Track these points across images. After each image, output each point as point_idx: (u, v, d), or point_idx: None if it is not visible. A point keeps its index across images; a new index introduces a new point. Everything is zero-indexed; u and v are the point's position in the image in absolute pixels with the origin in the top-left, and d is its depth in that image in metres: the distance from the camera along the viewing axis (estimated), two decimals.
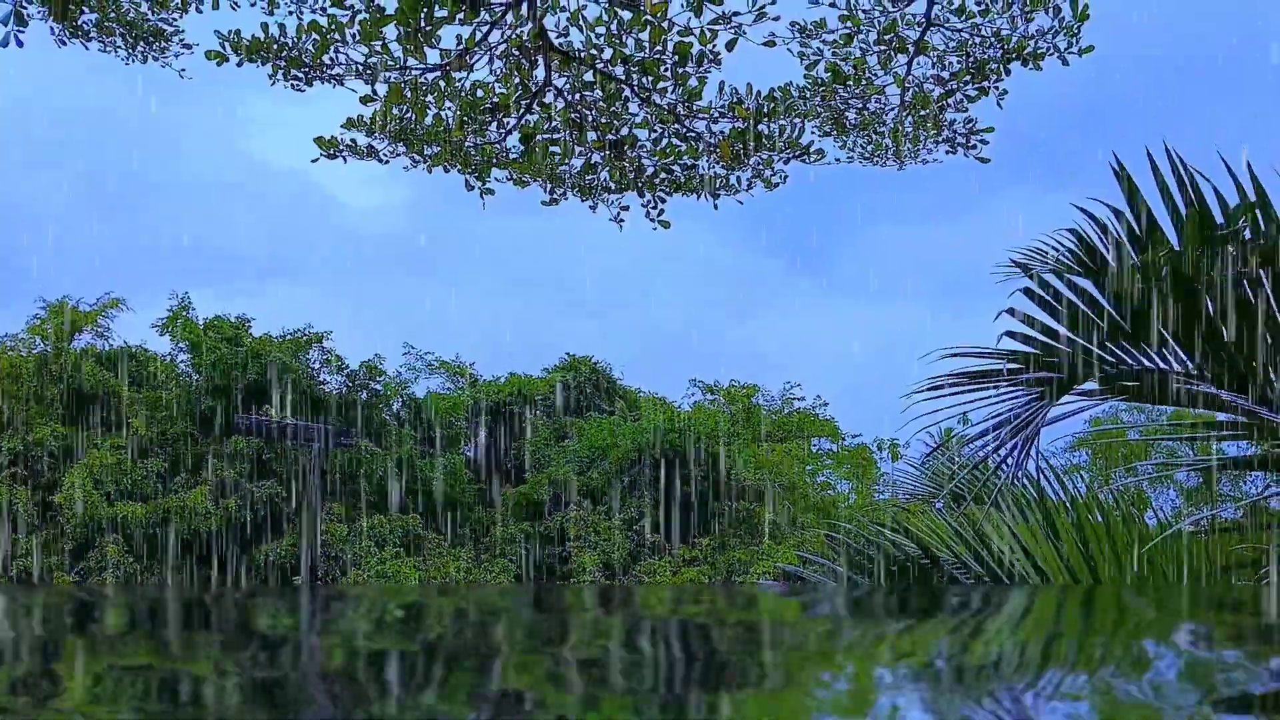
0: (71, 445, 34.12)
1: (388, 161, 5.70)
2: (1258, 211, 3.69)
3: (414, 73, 5.41)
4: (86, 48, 5.91)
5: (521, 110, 5.56)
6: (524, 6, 5.27)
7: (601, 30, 5.46)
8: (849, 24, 5.74)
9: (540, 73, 5.49)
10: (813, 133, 6.11)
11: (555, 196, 6.10)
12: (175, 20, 6.17)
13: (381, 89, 5.48)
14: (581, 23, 5.45)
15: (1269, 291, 3.84)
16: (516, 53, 5.37)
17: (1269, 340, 4.12)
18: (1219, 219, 4.03)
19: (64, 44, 5.80)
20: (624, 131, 5.66)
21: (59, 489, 33.47)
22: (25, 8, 5.54)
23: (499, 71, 5.48)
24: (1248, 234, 3.69)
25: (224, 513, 33.88)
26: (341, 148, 5.77)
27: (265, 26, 5.44)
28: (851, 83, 5.84)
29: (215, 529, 33.74)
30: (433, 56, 5.35)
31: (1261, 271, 3.74)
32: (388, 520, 36.23)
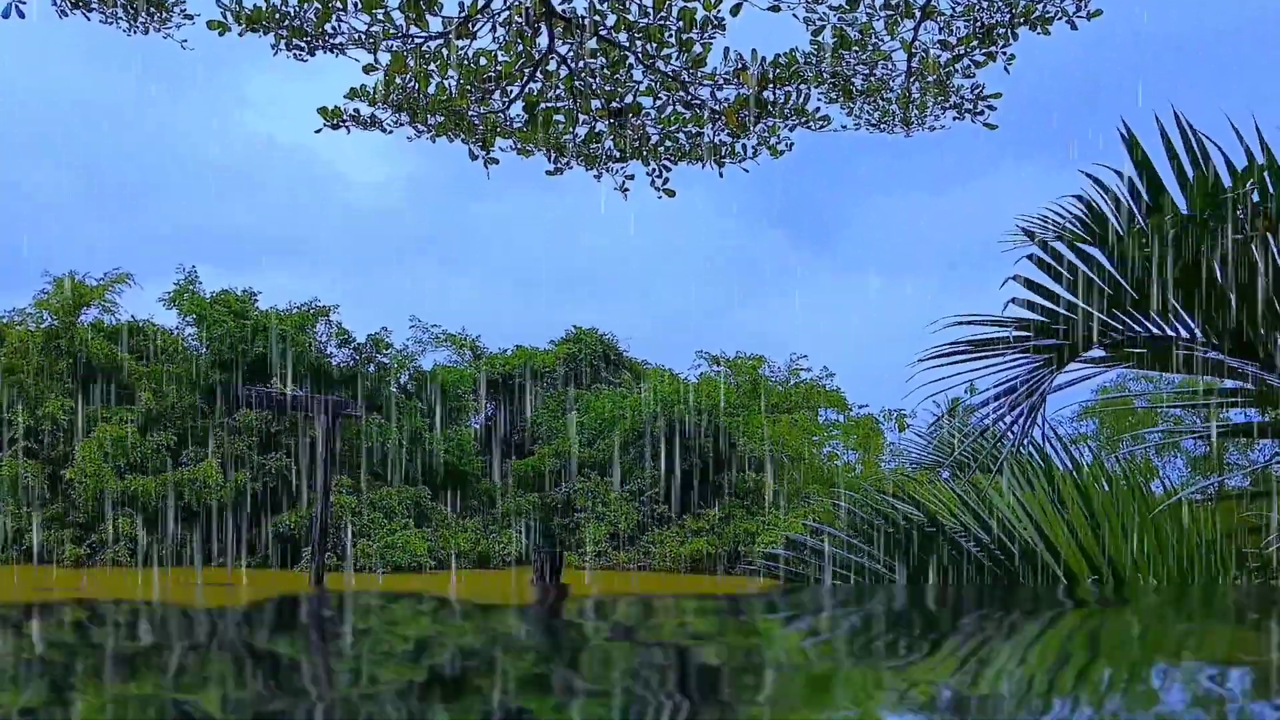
0: (80, 419, 34.27)
1: (391, 131, 5.68)
2: (1266, 175, 3.65)
3: (416, 41, 5.38)
4: (88, 18, 5.87)
5: (525, 78, 5.52)
6: None
7: None
8: None
9: (543, 40, 5.45)
10: (819, 99, 6.07)
11: (559, 166, 6.06)
12: None
13: (384, 58, 5.45)
14: None
15: (1275, 255, 3.81)
16: (519, 20, 5.33)
17: (1276, 305, 4.10)
18: (1228, 184, 3.99)
19: (65, 14, 5.77)
20: (628, 99, 5.62)
21: (69, 463, 33.65)
22: None
23: (501, 39, 5.44)
24: (1255, 197, 3.66)
25: (233, 485, 34.05)
26: (345, 118, 5.74)
27: None
28: (857, 48, 5.78)
29: (225, 501, 33.94)
30: (435, 24, 5.31)
31: (1268, 235, 3.71)
32: (396, 492, 36.40)
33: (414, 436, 38.15)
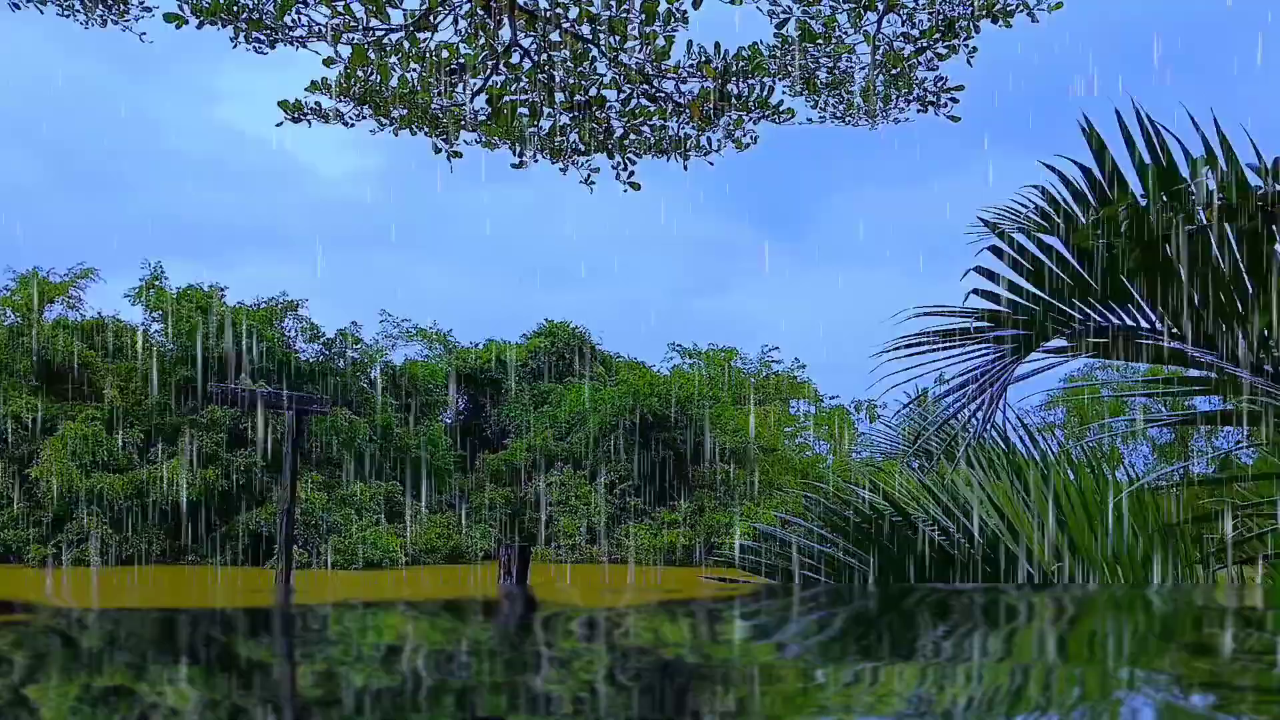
0: (46, 418, 33.84)
1: (353, 125, 5.62)
2: (1222, 163, 3.69)
3: (377, 34, 5.33)
4: (41, 11, 5.78)
5: (487, 71, 5.48)
6: None
7: None
8: None
9: (506, 33, 5.42)
10: (783, 92, 6.07)
11: (524, 159, 6.03)
12: None
13: (345, 50, 5.39)
14: None
15: (1233, 244, 3.86)
16: (481, 12, 5.29)
17: (1235, 294, 4.15)
18: (1186, 174, 4.03)
19: (17, 8, 5.67)
20: (592, 92, 5.60)
21: (35, 462, 33.22)
22: None
23: (464, 31, 5.40)
24: (1211, 184, 3.70)
25: (202, 482, 33.76)
26: (306, 111, 5.69)
27: None
28: (821, 41, 5.79)
29: (194, 499, 33.63)
30: (396, 17, 5.27)
31: (1226, 224, 3.75)
32: (368, 488, 36.21)
33: (385, 432, 37.97)
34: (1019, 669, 1.61)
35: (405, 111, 5.58)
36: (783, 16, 5.76)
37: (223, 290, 37.57)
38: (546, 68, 5.51)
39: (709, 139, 5.96)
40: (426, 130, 5.70)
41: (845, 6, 5.78)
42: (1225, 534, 5.24)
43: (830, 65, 6.02)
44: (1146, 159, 4.14)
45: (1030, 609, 2.28)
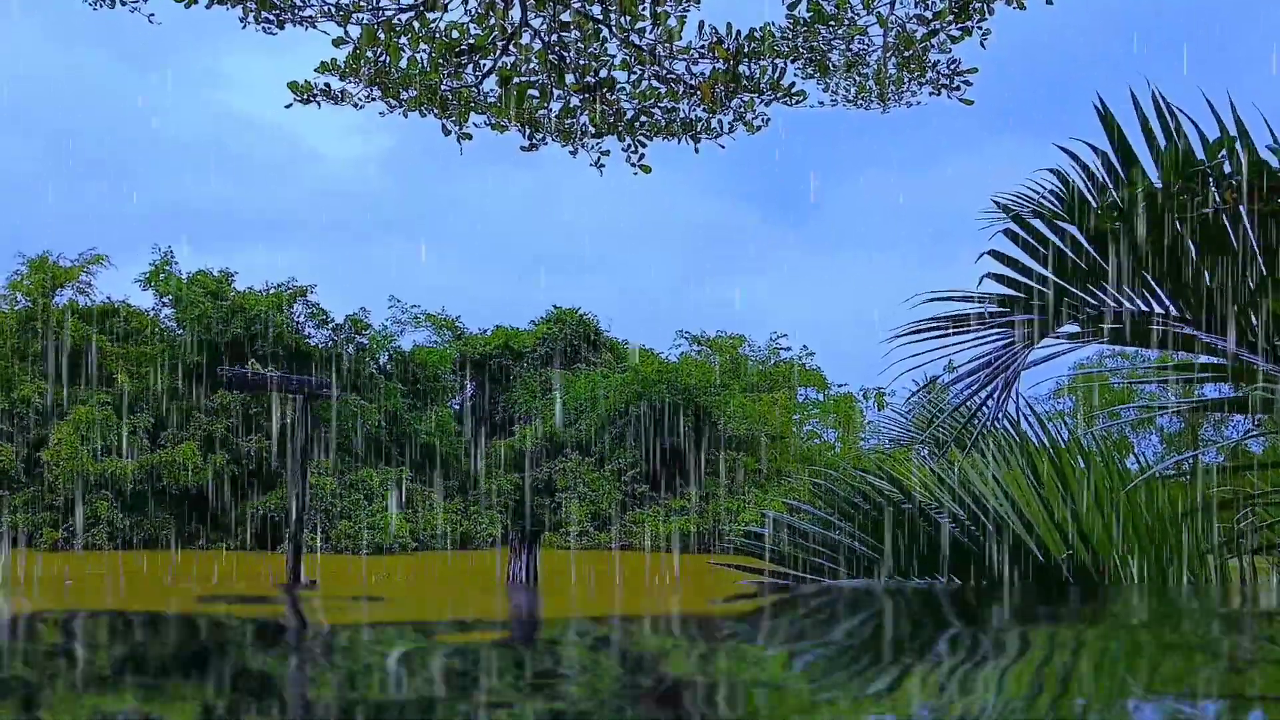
0: (57, 402, 33.98)
1: (362, 106, 5.60)
2: (1238, 147, 3.65)
3: (387, 14, 5.30)
4: None
5: (498, 52, 5.45)
6: None
7: None
8: None
9: (516, 13, 5.38)
10: (795, 75, 6.02)
11: (534, 141, 6.00)
12: None
13: (355, 31, 5.37)
14: None
15: (1248, 229, 3.81)
16: None
17: (1249, 280, 4.10)
18: (1202, 157, 3.98)
19: None
20: (603, 73, 5.56)
21: (46, 446, 33.37)
22: None
23: (474, 11, 5.36)
24: (1227, 167, 3.66)
25: (212, 467, 33.88)
26: (315, 92, 5.66)
27: None
28: (834, 23, 5.73)
29: (204, 483, 33.76)
30: None
31: (1241, 208, 3.71)
32: (377, 473, 36.30)
33: (394, 417, 38.05)
34: None
35: (414, 93, 5.55)
36: None
37: (232, 276, 37.64)
38: (557, 48, 5.48)
39: (720, 121, 5.92)
40: (436, 112, 5.67)
41: None
42: (1236, 523, 5.21)
43: (843, 47, 5.97)
44: (1162, 142, 4.09)
45: None
